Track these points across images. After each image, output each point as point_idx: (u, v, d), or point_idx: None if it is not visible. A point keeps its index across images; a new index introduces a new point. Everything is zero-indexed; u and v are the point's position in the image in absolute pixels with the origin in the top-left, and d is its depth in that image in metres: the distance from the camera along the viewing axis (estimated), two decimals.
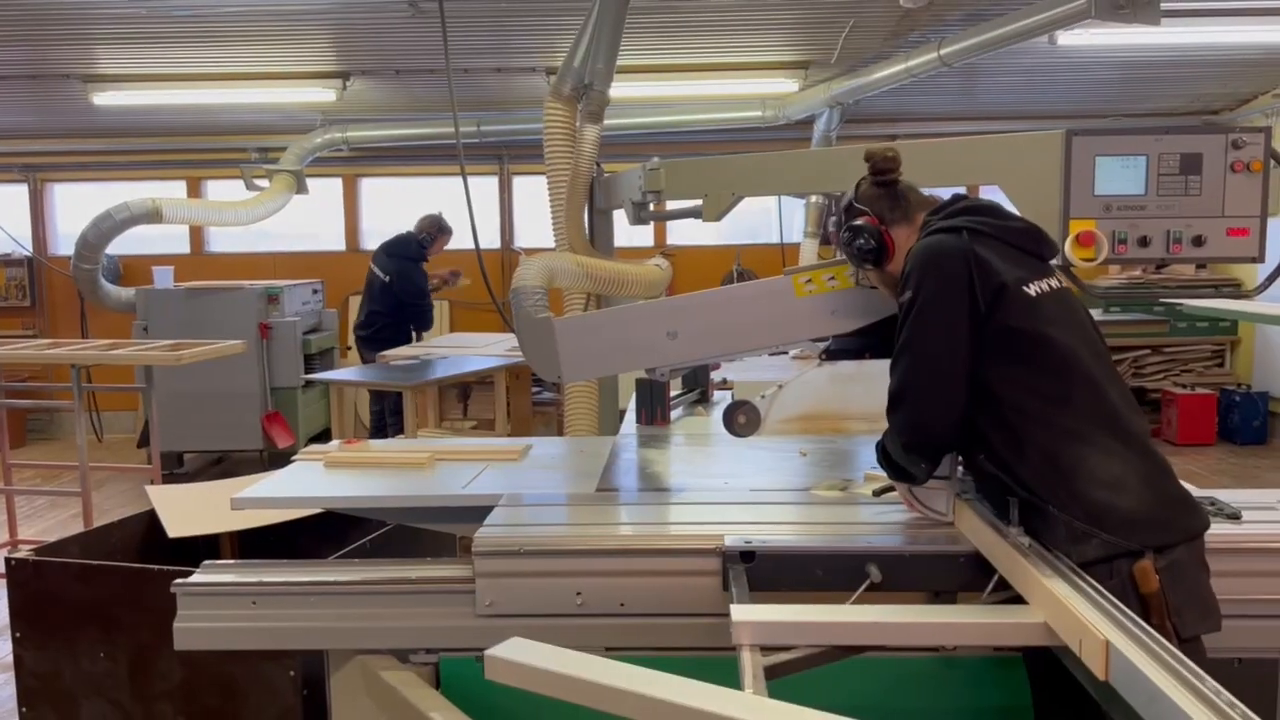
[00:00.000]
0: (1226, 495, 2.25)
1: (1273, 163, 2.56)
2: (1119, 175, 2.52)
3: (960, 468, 2.10)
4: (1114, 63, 7.01)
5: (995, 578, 1.87)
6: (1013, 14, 5.57)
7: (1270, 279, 2.69)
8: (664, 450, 2.99)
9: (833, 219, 2.28)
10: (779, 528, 2.13)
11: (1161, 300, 7.55)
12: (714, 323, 2.33)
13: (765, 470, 2.67)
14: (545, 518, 2.31)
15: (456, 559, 2.19)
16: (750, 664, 1.57)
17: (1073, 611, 1.56)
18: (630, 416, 3.39)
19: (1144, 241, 2.54)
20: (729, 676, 1.53)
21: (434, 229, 7.08)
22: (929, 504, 2.11)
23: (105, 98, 7.18)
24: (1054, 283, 1.95)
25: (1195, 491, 2.03)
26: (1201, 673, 1.32)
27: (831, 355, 2.40)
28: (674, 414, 3.40)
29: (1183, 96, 7.97)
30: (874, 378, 3.05)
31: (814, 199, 8.18)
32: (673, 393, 3.48)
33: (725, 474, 2.65)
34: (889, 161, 2.13)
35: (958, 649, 2.02)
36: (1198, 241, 2.53)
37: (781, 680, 1.58)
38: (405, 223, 7.37)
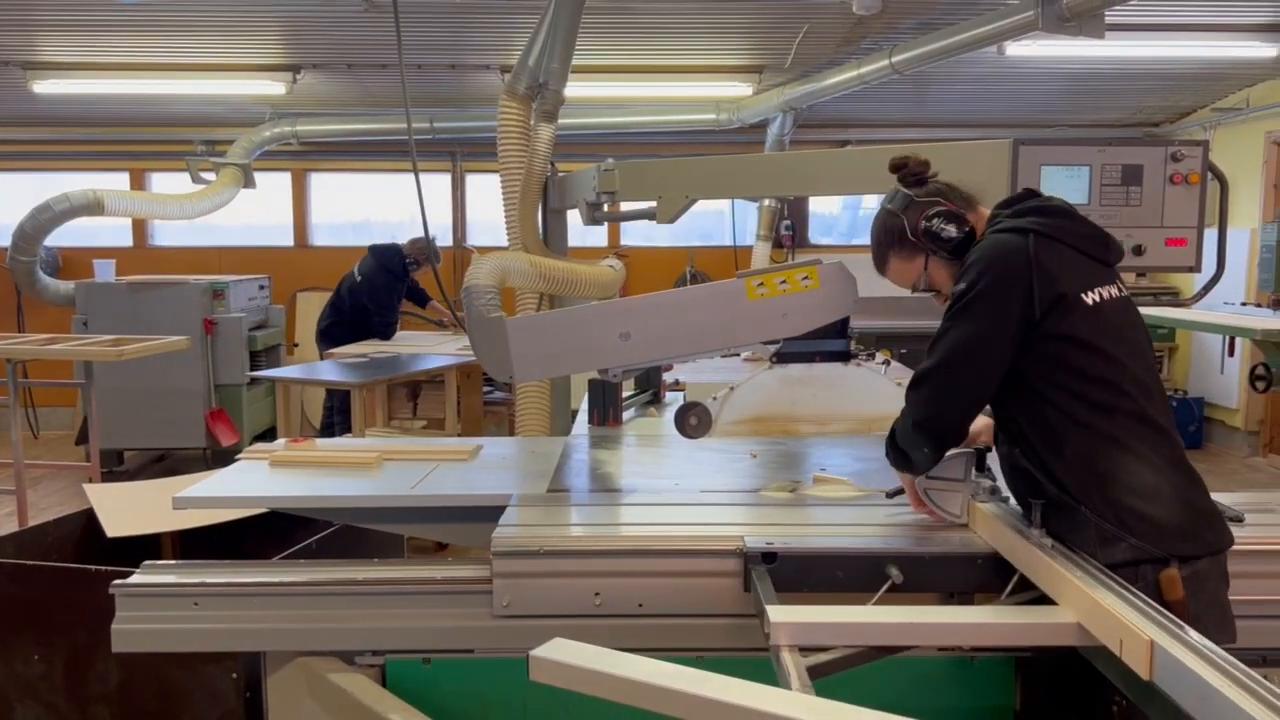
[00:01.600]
0: (1227, 499, 2.28)
1: (1209, 175, 2.63)
2: (1063, 184, 2.59)
3: (974, 471, 2.11)
4: (1059, 74, 7.16)
5: (1015, 579, 1.90)
6: (963, 24, 5.67)
7: (1206, 288, 2.78)
8: (615, 451, 2.99)
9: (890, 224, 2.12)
10: (797, 529, 2.14)
11: None
12: (666, 324, 2.33)
13: (715, 472, 2.68)
14: (561, 518, 2.29)
15: (470, 561, 2.16)
16: (793, 664, 1.58)
17: (1111, 613, 1.58)
18: (582, 417, 3.39)
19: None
20: (750, 677, 1.52)
21: (422, 255, 6.99)
22: (943, 506, 2.12)
23: (46, 86, 7.01)
24: (1114, 290, 1.94)
25: None
26: (1250, 670, 1.34)
27: (782, 358, 2.42)
28: (626, 415, 3.40)
29: (1125, 109, 8.16)
30: (823, 381, 3.09)
31: (767, 203, 8.27)
32: (625, 394, 3.48)
33: (676, 475, 2.66)
34: (924, 165, 2.11)
35: (956, 649, 2.05)
36: (1138, 251, 2.60)
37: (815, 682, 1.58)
38: (355, 219, 7.28)
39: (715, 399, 3.09)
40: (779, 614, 1.69)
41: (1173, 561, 1.77)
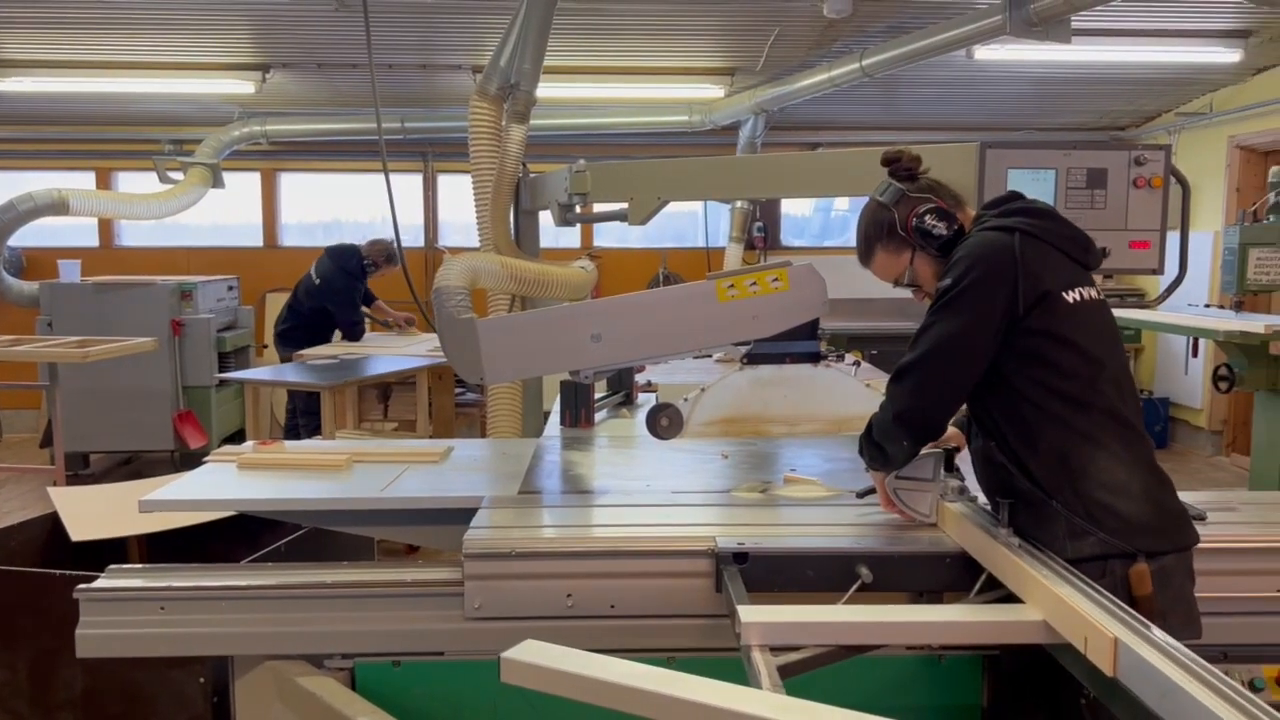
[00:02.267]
0: (1190, 497, 2.31)
1: (1172, 179, 2.68)
2: (1029, 187, 2.62)
3: (943, 470, 2.13)
4: (1027, 78, 7.24)
5: (983, 577, 1.92)
6: (932, 28, 5.72)
7: (1169, 290, 2.82)
8: (587, 452, 2.99)
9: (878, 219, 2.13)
10: (767, 529, 2.15)
11: None
12: (637, 326, 2.34)
13: (687, 472, 2.69)
14: (532, 520, 2.29)
15: (441, 563, 2.15)
16: (763, 664, 1.59)
17: (1076, 610, 1.60)
18: (554, 419, 3.38)
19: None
20: (723, 677, 1.53)
21: (382, 257, 6.92)
22: (913, 505, 2.14)
23: (10, 83, 6.91)
24: (1093, 291, 1.98)
25: None
26: (1211, 666, 1.37)
27: (753, 359, 2.43)
28: (598, 416, 3.40)
29: (1091, 112, 8.27)
30: (793, 382, 3.10)
31: (739, 205, 8.30)
32: (597, 395, 3.48)
33: (648, 476, 2.66)
34: (915, 161, 2.14)
35: (925, 648, 2.07)
36: (1102, 253, 2.63)
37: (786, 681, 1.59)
38: (325, 219, 7.23)
39: (686, 400, 3.10)
40: (750, 614, 1.70)
41: (1140, 557, 1.80)
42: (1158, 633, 1.50)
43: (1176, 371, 7.97)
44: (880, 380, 3.71)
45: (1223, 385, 5.18)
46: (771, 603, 1.80)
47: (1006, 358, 1.91)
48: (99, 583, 2.10)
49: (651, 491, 2.48)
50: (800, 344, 2.39)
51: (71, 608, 2.05)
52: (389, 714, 2.01)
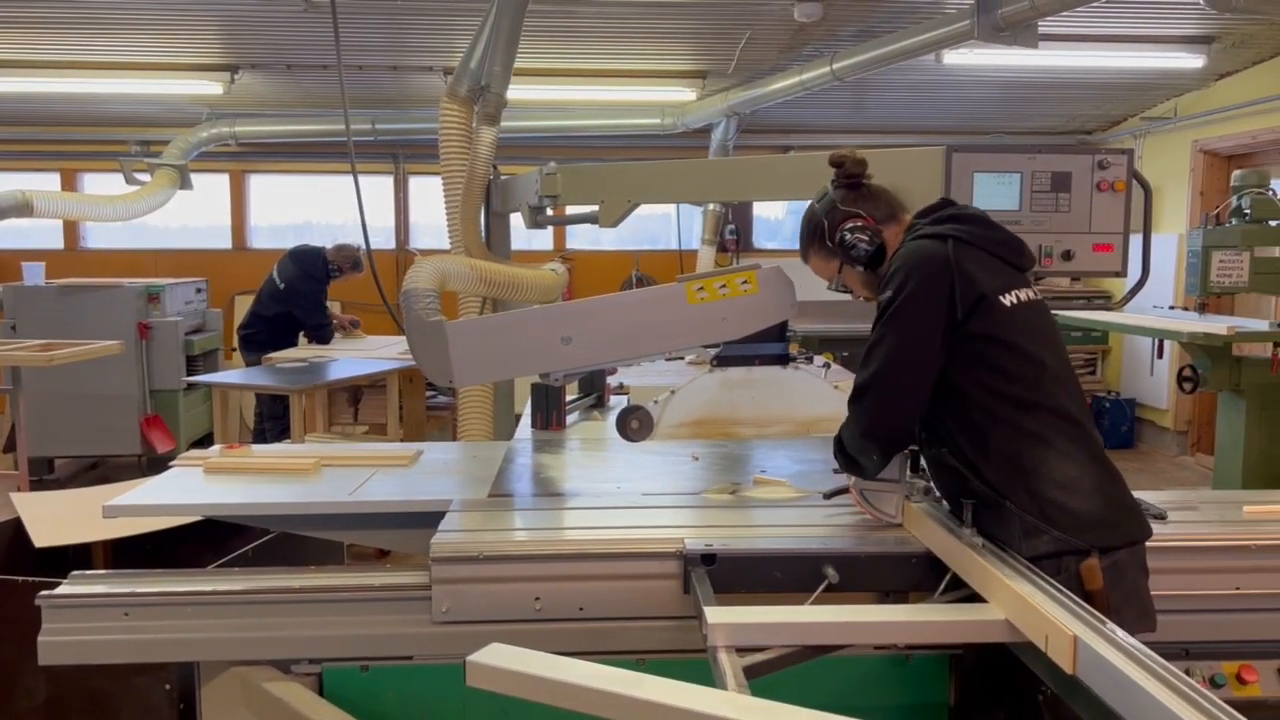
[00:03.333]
0: (1151, 496, 2.36)
1: (1134, 182, 2.71)
2: (995, 191, 2.64)
3: (909, 471, 2.16)
4: (995, 82, 7.31)
5: (948, 577, 1.94)
6: (902, 32, 5.77)
7: (1132, 292, 2.86)
8: (558, 455, 2.98)
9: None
10: (735, 531, 2.16)
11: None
12: (608, 328, 2.34)
13: (658, 475, 2.69)
14: (501, 523, 2.28)
15: (410, 567, 2.14)
16: (729, 665, 1.59)
17: (1037, 609, 1.62)
18: (526, 421, 3.38)
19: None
20: (692, 678, 1.53)
21: (347, 263, 6.87)
22: (879, 506, 2.16)
23: None
24: (1029, 293, 2.01)
25: None
26: (1169, 665, 1.39)
27: (722, 361, 2.44)
28: (570, 419, 3.40)
29: (1059, 117, 8.36)
30: (763, 384, 3.12)
31: (711, 207, 8.32)
32: (569, 397, 3.48)
33: (619, 478, 2.66)
34: (860, 165, 2.16)
35: (891, 647, 2.08)
36: (1067, 256, 2.67)
37: (752, 681, 1.59)
38: (294, 221, 7.17)
39: (656, 402, 3.10)
40: (716, 615, 1.71)
41: (1093, 552, 1.83)
42: (1118, 632, 1.52)
43: (1142, 372, 8.07)
44: (849, 382, 3.73)
45: (1187, 386, 5.26)
46: (740, 604, 1.80)
47: (951, 363, 1.95)
48: (62, 589, 2.07)
49: (620, 494, 2.48)
50: (769, 346, 2.40)
51: (34, 614, 2.03)
52: (358, 718, 2.00)
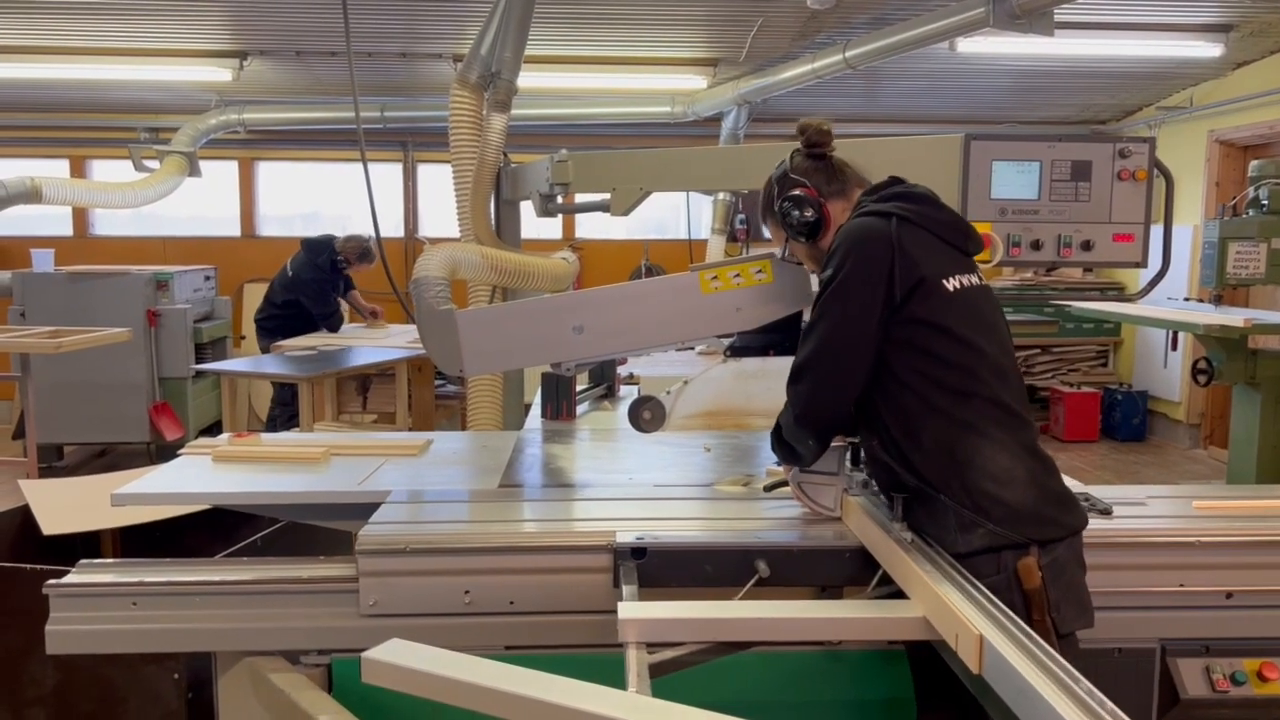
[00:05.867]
0: (1099, 491, 2.33)
1: (1155, 172, 2.67)
2: (1014, 180, 2.61)
3: (848, 464, 2.13)
4: (1010, 71, 7.25)
5: (880, 573, 1.91)
6: (915, 20, 5.71)
7: (1152, 283, 2.82)
8: (569, 446, 2.96)
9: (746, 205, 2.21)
10: (673, 523, 2.13)
11: (1051, 302, 7.85)
12: (619, 318, 2.31)
13: (669, 466, 2.67)
14: (434, 514, 2.26)
15: (342, 557, 2.12)
16: (635, 662, 1.56)
17: (950, 606, 1.59)
18: (535, 411, 3.36)
19: (1036, 245, 2.63)
20: (619, 675, 1.51)
21: (355, 254, 6.86)
22: (817, 499, 2.13)
23: None
24: (973, 279, 1.95)
25: (1075, 487, 2.11)
26: (1072, 670, 1.35)
27: (736, 352, 2.41)
28: (580, 409, 3.38)
29: (1073, 106, 8.29)
30: (777, 374, 3.08)
31: (721, 196, 8.28)
32: (579, 388, 3.45)
33: (629, 470, 2.64)
34: (823, 135, 2.10)
35: (842, 643, 2.05)
36: (1086, 246, 2.63)
37: (669, 678, 1.57)
38: (303, 208, 7.15)
39: (669, 393, 3.07)
40: (628, 610, 1.68)
41: (1032, 547, 1.78)
42: (1027, 634, 1.48)
43: (1155, 365, 8.01)
44: None
45: (1201, 379, 5.22)
46: (672, 599, 1.78)
47: (887, 347, 1.89)
48: (69, 578, 2.06)
49: (589, 485, 2.47)
50: (784, 336, 2.37)
51: (42, 603, 2.01)
52: (365, 711, 1.97)
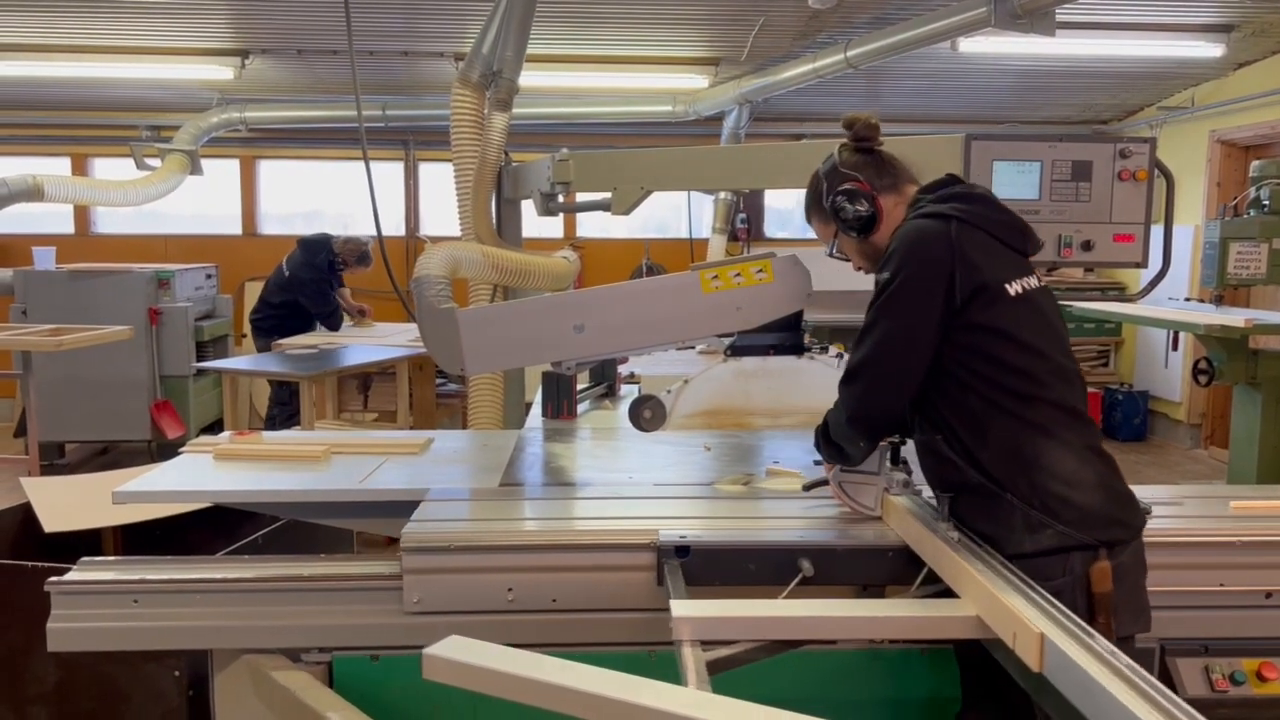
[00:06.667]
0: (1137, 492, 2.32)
1: (1156, 172, 2.67)
2: (1015, 179, 2.60)
3: (889, 463, 2.12)
4: (1011, 71, 7.24)
5: (924, 571, 1.91)
6: (917, 19, 5.71)
7: (1153, 283, 2.82)
8: (569, 444, 2.96)
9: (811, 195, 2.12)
10: (712, 522, 2.14)
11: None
12: (620, 317, 2.31)
13: (670, 465, 2.67)
14: (475, 513, 2.27)
15: (382, 556, 2.13)
16: (692, 660, 1.57)
17: (1006, 605, 1.59)
18: (536, 410, 3.36)
19: (1037, 245, 2.62)
20: (662, 672, 1.51)
21: (353, 256, 6.86)
22: (857, 499, 2.13)
23: None
24: (1033, 281, 1.94)
25: None
26: (1137, 666, 1.35)
27: (736, 351, 2.41)
28: (580, 408, 3.38)
29: (1075, 106, 8.28)
30: (777, 374, 3.09)
31: (722, 196, 8.28)
32: (580, 386, 3.45)
33: (630, 469, 2.64)
34: (871, 129, 2.08)
35: (883, 642, 2.06)
36: (1087, 246, 2.63)
37: (716, 676, 1.57)
38: (304, 207, 7.15)
39: (669, 392, 3.08)
40: (682, 608, 1.68)
41: (1100, 550, 1.78)
42: (1085, 630, 1.48)
43: (1156, 365, 8.01)
44: None
45: (1202, 379, 5.21)
46: (715, 597, 1.78)
47: (949, 350, 1.88)
48: (71, 575, 2.06)
49: (604, 483, 2.47)
50: (785, 335, 2.37)
51: (43, 600, 2.02)
52: (368, 708, 1.98)
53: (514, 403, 3.90)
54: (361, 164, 4.16)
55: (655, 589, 1.97)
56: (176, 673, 2.47)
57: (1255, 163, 5.41)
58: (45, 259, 7.37)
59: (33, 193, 6.80)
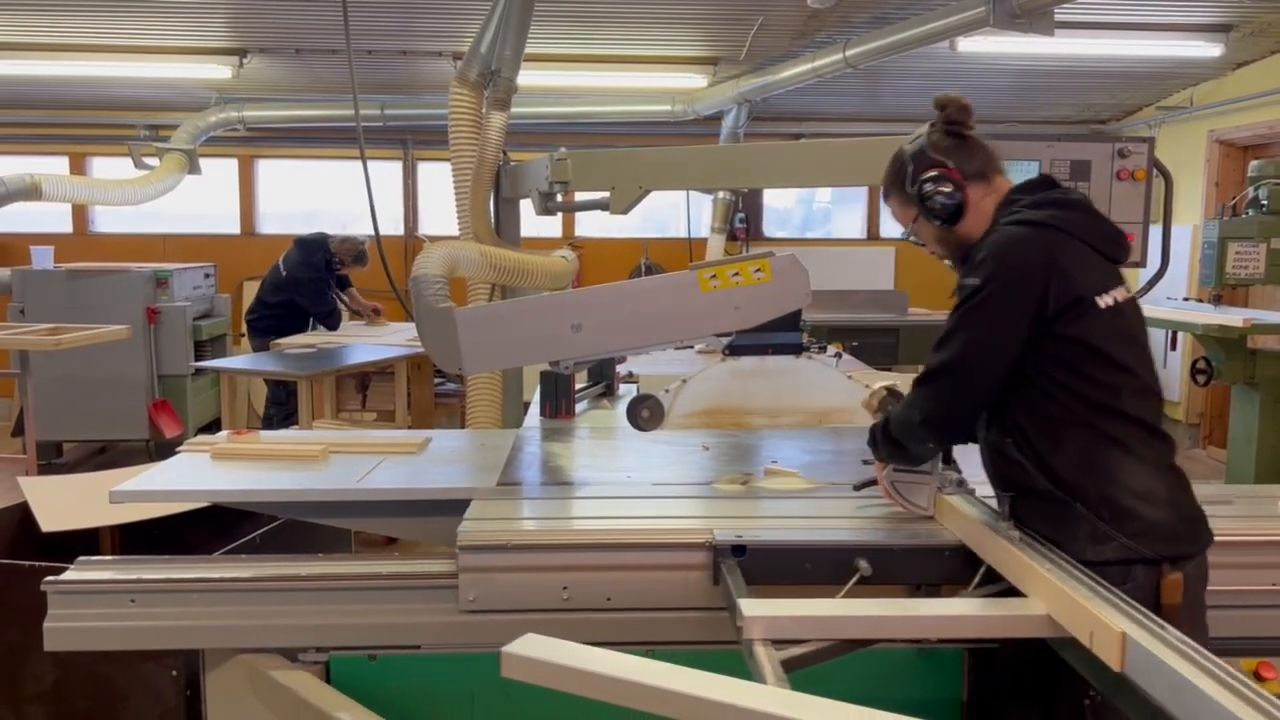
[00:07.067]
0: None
1: (1155, 171, 2.67)
2: (1014, 179, 2.60)
3: (941, 463, 2.11)
4: (1010, 70, 7.24)
5: (982, 570, 1.90)
6: (916, 19, 5.71)
7: (1151, 282, 2.82)
8: (568, 444, 2.96)
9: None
10: (765, 522, 2.14)
11: None
12: (618, 316, 2.31)
13: (669, 464, 2.67)
14: (526, 511, 2.27)
15: (433, 553, 2.13)
16: (767, 659, 1.56)
17: (1082, 605, 1.58)
18: (535, 409, 3.36)
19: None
20: (718, 670, 1.50)
21: (350, 256, 6.84)
22: (911, 498, 2.12)
23: None
24: (1122, 293, 1.90)
25: None
26: (1224, 664, 1.35)
27: (734, 351, 2.41)
28: (579, 407, 3.37)
29: (1073, 105, 8.28)
30: (775, 373, 3.09)
31: (721, 195, 8.27)
32: (578, 386, 3.45)
33: (629, 468, 2.64)
34: (964, 111, 2.01)
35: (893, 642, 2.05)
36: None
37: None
38: (304, 207, 7.15)
39: (668, 391, 3.07)
40: (752, 608, 1.68)
41: (1164, 564, 1.77)
42: (1166, 628, 1.48)
43: (1154, 364, 7.99)
44: (861, 372, 3.70)
45: (1200, 378, 5.22)
46: (768, 596, 1.77)
47: (1032, 359, 1.85)
48: (68, 575, 2.06)
49: (634, 483, 2.46)
50: (783, 335, 2.37)
51: (40, 600, 2.02)
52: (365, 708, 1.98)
53: (512, 402, 3.90)
54: (360, 163, 4.16)
55: (709, 588, 1.98)
56: (174, 672, 2.46)
57: (1254, 162, 5.41)
58: (43, 258, 7.36)
59: (30, 192, 6.78)
